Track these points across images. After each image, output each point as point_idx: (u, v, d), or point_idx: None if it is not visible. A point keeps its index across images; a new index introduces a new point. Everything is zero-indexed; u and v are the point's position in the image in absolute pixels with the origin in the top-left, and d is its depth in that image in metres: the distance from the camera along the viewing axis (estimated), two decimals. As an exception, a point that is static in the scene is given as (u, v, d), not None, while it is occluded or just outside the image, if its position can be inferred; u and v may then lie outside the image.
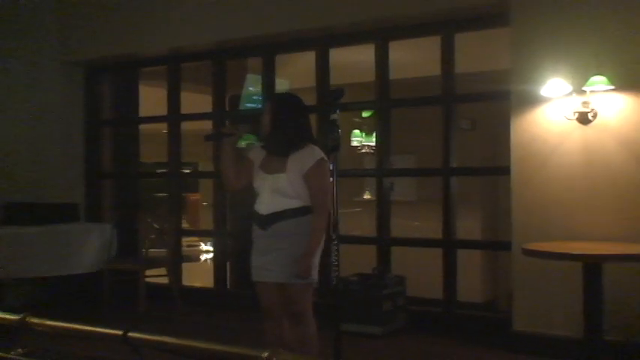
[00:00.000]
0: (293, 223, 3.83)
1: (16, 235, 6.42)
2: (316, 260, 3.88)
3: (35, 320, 2.43)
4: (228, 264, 7.44)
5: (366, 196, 9.12)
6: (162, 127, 8.40)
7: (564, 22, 5.08)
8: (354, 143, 9.54)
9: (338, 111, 3.58)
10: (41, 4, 7.58)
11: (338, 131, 3.57)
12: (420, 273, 6.32)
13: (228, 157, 4.00)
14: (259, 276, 3.95)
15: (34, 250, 6.45)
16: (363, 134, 9.60)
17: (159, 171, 13.02)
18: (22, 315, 2.42)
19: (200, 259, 12.84)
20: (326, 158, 3.83)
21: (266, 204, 3.88)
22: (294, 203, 3.83)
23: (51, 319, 2.40)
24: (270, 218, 3.85)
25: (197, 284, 8.86)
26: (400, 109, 6.66)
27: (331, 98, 3.67)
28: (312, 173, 3.81)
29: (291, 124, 3.90)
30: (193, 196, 14.75)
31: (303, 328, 3.96)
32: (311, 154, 3.85)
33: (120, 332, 2.22)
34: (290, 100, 4.06)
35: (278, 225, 3.84)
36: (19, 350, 2.48)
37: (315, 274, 3.88)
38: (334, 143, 3.57)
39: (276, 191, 3.85)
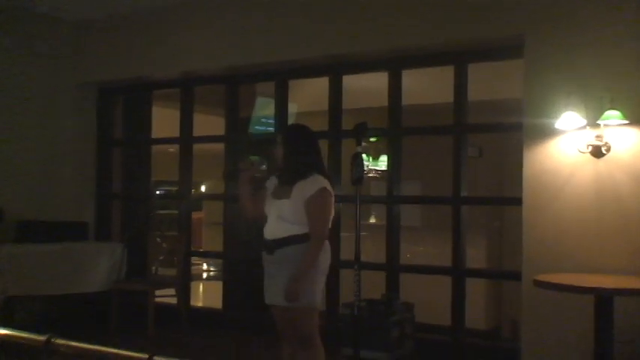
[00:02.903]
0: (297, 249, 3.97)
1: (28, 253, 6.47)
2: (318, 286, 4.04)
3: (61, 341, 2.46)
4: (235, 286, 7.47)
5: (372, 219, 9.19)
6: (169, 146, 8.50)
7: (578, 56, 5.15)
8: (361, 167, 9.58)
9: (363, 144, 3.66)
10: (56, 28, 7.67)
11: (363, 164, 3.66)
12: (425, 298, 6.35)
13: (246, 190, 4.25)
14: (270, 299, 4.12)
15: (46, 267, 6.51)
16: (370, 158, 9.67)
17: (165, 190, 13.20)
18: (47, 336, 2.45)
19: (203, 278, 12.91)
20: (328, 188, 4.02)
21: (271, 229, 4.08)
22: (298, 229, 3.99)
23: (72, 339, 2.43)
24: (275, 243, 4.04)
25: (200, 304, 8.92)
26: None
27: (356, 132, 3.75)
28: (312, 201, 3.97)
29: (302, 156, 4.09)
30: (196, 215, 14.79)
31: (310, 352, 4.08)
32: (313, 183, 4.01)
33: (145, 356, 2.26)
34: (301, 132, 4.27)
35: (283, 250, 4.00)
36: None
37: (316, 299, 4.04)
38: (358, 175, 3.66)
39: (280, 217, 4.03)
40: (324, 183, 4.03)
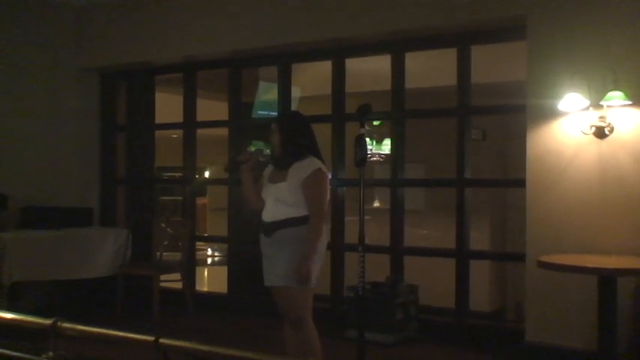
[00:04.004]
0: (295, 231, 4.04)
1: (33, 239, 6.49)
2: (316, 266, 4.06)
3: (67, 325, 2.47)
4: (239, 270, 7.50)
5: (376, 203, 9.18)
6: (171, 132, 8.49)
7: (581, 37, 5.14)
8: (365, 151, 9.53)
9: (366, 126, 3.67)
10: (60, 12, 7.65)
11: (366, 145, 3.67)
12: (429, 281, 6.37)
13: (248, 182, 4.29)
14: (269, 280, 4.17)
15: (51, 253, 6.52)
16: (374, 142, 9.65)
17: (168, 176, 13.21)
18: (53, 319, 2.47)
19: (207, 263, 12.96)
20: (324, 169, 4.11)
21: (270, 212, 4.14)
22: (296, 212, 4.05)
23: (78, 323, 2.45)
24: (273, 225, 4.09)
25: (205, 289, 8.95)
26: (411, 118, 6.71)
27: (359, 114, 3.77)
28: (308, 182, 4.04)
29: (297, 142, 4.15)
30: (200, 201, 14.79)
31: (303, 333, 4.14)
32: (309, 165, 4.09)
33: (151, 338, 2.27)
34: (295, 119, 4.39)
35: (281, 232, 4.06)
36: (50, 354, 2.47)
37: (313, 280, 4.06)
38: (362, 157, 3.67)
39: (278, 200, 4.10)
40: (319, 164, 4.10)
